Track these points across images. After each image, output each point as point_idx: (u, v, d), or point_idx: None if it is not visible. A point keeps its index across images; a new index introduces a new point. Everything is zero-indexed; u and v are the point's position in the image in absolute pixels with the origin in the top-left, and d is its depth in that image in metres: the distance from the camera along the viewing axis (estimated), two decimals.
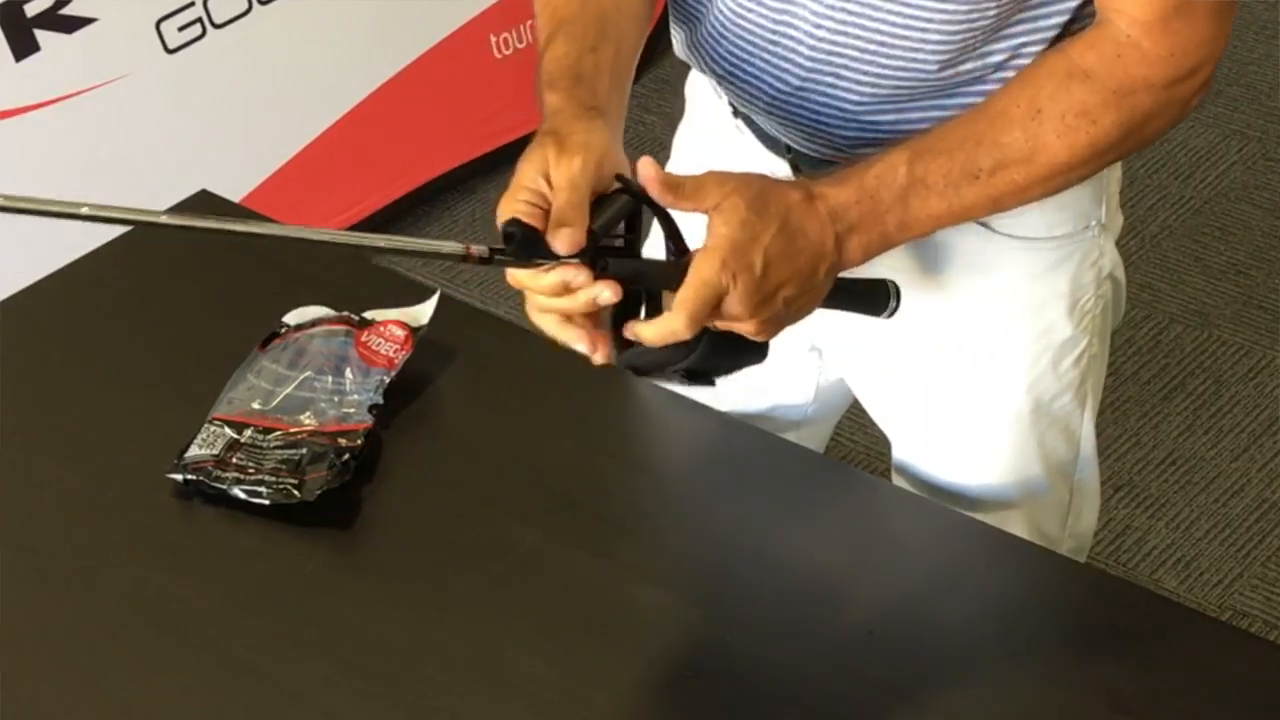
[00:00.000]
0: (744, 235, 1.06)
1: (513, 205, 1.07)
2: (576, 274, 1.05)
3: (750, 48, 1.25)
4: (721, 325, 1.08)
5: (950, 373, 1.38)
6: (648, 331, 1.07)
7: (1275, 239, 2.89)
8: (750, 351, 1.14)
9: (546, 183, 1.07)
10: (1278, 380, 2.61)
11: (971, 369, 1.38)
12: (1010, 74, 1.19)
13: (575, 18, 1.20)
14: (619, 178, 1.10)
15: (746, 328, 1.08)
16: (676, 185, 1.06)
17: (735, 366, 1.14)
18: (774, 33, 1.22)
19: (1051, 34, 1.18)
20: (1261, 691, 1.13)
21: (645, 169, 1.06)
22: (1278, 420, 2.54)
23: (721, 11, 1.25)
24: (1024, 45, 1.19)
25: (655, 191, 1.06)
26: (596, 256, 1.05)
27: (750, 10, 1.23)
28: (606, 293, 1.05)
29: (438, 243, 1.03)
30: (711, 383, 1.15)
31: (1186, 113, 1.16)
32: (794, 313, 1.10)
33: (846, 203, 1.12)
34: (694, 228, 1.08)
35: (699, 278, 1.05)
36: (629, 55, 1.22)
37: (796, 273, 1.08)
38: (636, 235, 1.12)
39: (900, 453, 1.48)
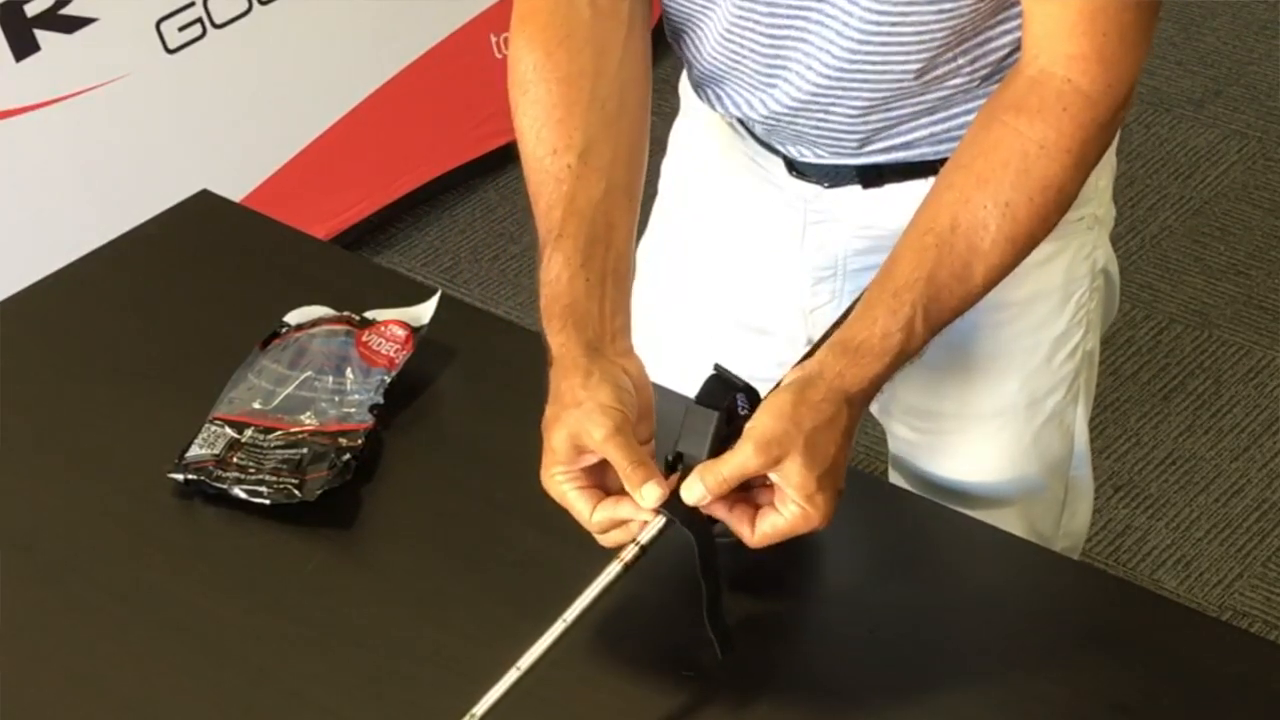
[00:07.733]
0: (821, 504, 1.08)
1: (555, 481, 1.11)
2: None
3: (745, 91, 1.26)
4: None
5: (944, 366, 1.38)
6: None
7: (1275, 239, 2.89)
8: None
9: (580, 449, 1.10)
10: (1278, 380, 2.61)
11: (965, 362, 1.38)
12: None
13: (564, 227, 1.16)
14: (717, 368, 1.13)
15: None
16: (725, 481, 1.09)
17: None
18: (768, 77, 1.23)
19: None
20: (1261, 691, 1.13)
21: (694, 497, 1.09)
22: (1278, 420, 2.54)
23: (712, 60, 1.26)
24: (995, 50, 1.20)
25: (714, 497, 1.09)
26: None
27: (741, 60, 1.24)
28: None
29: (601, 581, 1.09)
30: None
31: (1118, 129, 1.16)
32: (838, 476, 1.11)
33: (879, 384, 1.13)
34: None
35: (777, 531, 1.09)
36: (625, 245, 1.19)
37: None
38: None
39: (896, 447, 1.48)
